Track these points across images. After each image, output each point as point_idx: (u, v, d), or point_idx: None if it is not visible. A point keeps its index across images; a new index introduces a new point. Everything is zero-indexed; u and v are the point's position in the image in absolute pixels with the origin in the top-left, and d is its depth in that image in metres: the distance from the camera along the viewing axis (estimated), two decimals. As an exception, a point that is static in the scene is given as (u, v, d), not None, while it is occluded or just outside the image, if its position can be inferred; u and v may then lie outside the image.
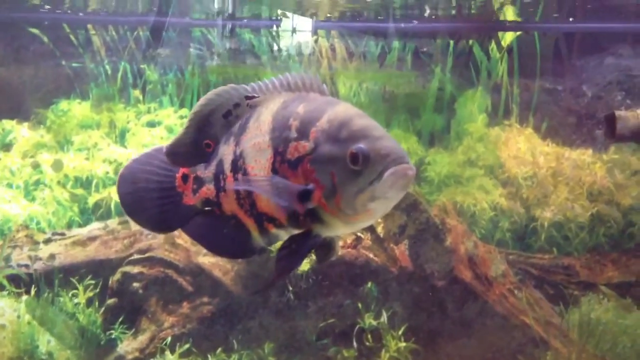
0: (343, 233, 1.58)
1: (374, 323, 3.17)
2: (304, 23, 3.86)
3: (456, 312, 3.28)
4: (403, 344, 3.07)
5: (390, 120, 3.82)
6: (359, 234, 3.19)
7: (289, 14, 3.84)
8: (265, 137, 1.50)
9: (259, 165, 1.49)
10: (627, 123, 3.42)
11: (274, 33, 3.84)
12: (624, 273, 3.47)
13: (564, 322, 3.13)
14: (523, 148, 3.56)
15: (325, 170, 1.41)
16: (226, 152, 1.55)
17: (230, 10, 3.87)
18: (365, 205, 1.40)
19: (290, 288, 3.04)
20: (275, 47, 3.70)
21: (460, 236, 3.31)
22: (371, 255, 3.20)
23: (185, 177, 1.63)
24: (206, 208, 1.57)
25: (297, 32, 3.86)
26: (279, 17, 3.89)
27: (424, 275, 3.25)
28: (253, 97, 1.55)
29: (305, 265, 3.05)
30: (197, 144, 1.63)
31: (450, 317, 3.23)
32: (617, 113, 3.41)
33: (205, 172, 1.59)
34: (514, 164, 3.51)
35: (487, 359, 3.13)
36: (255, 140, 1.51)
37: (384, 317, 3.10)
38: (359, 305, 3.06)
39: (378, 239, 3.23)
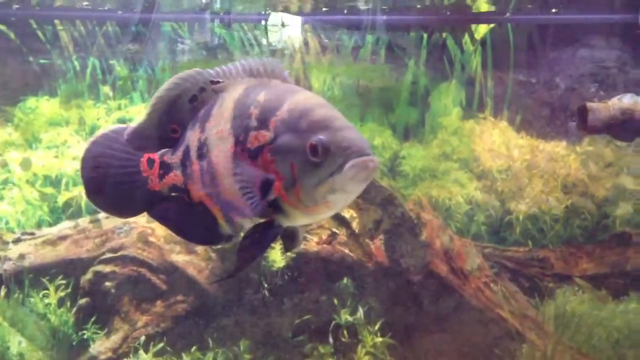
0: (303, 223, 1.59)
1: (350, 319, 3.24)
2: (275, 17, 3.91)
3: (432, 307, 3.37)
4: (379, 339, 3.15)
5: (365, 114, 3.89)
6: (334, 229, 3.27)
7: (266, 8, 3.90)
8: (227, 124, 1.50)
9: (221, 153, 1.49)
10: (599, 115, 3.54)
11: (246, 28, 3.89)
12: (599, 265, 3.60)
13: (540, 315, 3.22)
14: (497, 141, 3.66)
15: (285, 161, 1.42)
16: (192, 138, 1.55)
17: (204, 5, 3.91)
18: (324, 197, 1.41)
19: (266, 285, 3.12)
20: (248, 42, 3.76)
21: (436, 230, 3.40)
22: (347, 251, 3.27)
23: (150, 162, 1.61)
24: (173, 194, 1.57)
25: (271, 26, 3.93)
26: (265, 12, 3.94)
27: (400, 270, 3.34)
28: (218, 82, 1.56)
29: (280, 262, 3.12)
30: (162, 129, 1.62)
31: (426, 312, 3.31)
32: (589, 105, 3.53)
33: (173, 158, 1.58)
34: (488, 157, 3.61)
35: (463, 353, 3.24)
36: (218, 128, 1.52)
37: (360, 313, 3.15)
38: (335, 301, 3.11)
39: (353, 235, 3.31)
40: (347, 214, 3.31)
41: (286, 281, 3.15)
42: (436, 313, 3.29)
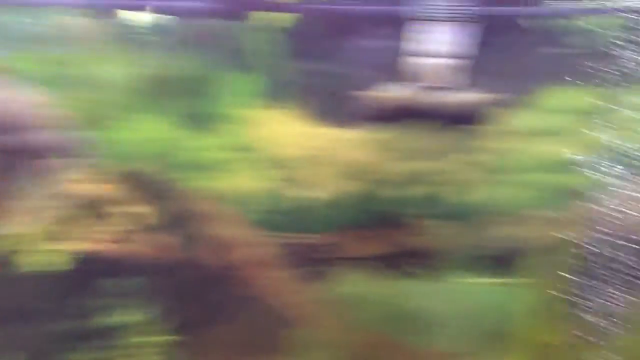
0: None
1: (141, 318, 3.11)
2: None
3: (217, 299, 3.37)
4: (163, 338, 3.03)
5: (147, 103, 3.83)
6: (122, 227, 3.19)
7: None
8: None
9: None
10: (380, 103, 3.81)
11: None
12: (383, 246, 3.91)
13: (321, 299, 3.31)
14: (285, 130, 3.80)
15: None
16: None
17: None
18: (17, 202, 1.42)
19: (44, 291, 3.01)
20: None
21: (217, 222, 3.46)
22: (140, 248, 3.23)
23: None
24: None
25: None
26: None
27: (189, 264, 3.34)
28: None
29: (63, 264, 2.99)
30: None
31: (211, 305, 3.24)
32: (369, 93, 3.78)
33: None
34: (275, 146, 3.73)
35: (248, 342, 3.30)
36: None
37: (151, 311, 3.05)
38: (111, 302, 2.99)
39: (148, 230, 3.24)
40: (141, 209, 3.18)
41: (60, 283, 3.08)
42: (221, 305, 3.28)
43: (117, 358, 2.99)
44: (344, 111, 4.07)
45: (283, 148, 3.74)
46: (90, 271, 3.11)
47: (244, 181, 3.62)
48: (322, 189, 3.69)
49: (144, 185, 3.38)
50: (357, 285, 3.50)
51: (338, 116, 4.04)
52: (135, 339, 3.02)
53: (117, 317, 3.03)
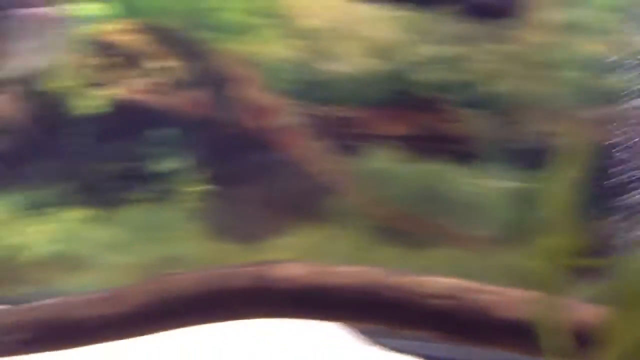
0: (10, 75, 1.84)
1: (170, 167, 3.72)
2: None
3: (250, 160, 3.99)
4: (200, 187, 3.72)
5: None
6: (152, 79, 3.68)
7: None
8: None
9: None
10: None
11: None
12: (409, 127, 4.39)
13: (351, 172, 3.85)
14: (315, 0, 4.15)
15: None
16: None
17: None
18: (3, 46, 1.70)
19: (84, 130, 3.53)
20: None
21: (248, 86, 3.93)
22: (167, 100, 3.73)
23: None
24: None
25: None
26: None
27: (217, 123, 3.79)
28: None
29: (96, 108, 3.49)
30: None
31: (245, 165, 3.81)
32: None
33: None
34: (302, 15, 4.04)
35: (278, 204, 3.92)
36: None
37: (183, 162, 3.65)
38: (158, 149, 3.60)
39: (174, 85, 3.75)
40: (167, 63, 3.66)
41: (106, 128, 3.59)
42: (254, 166, 3.85)
43: (155, 200, 3.59)
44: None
45: (312, 19, 4.09)
46: (128, 118, 3.61)
47: (272, 48, 4.00)
48: (350, 64, 4.08)
49: (174, 41, 3.80)
50: (385, 162, 4.02)
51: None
52: (172, 185, 3.63)
53: (155, 164, 3.61)
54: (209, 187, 3.64)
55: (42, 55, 1.66)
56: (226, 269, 2.58)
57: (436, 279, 2.39)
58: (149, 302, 2.32)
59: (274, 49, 3.95)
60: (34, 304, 2.58)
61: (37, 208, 3.37)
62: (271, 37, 3.99)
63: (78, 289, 3.49)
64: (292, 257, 2.73)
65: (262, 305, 2.44)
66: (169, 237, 3.60)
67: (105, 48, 3.52)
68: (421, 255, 3.67)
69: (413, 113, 4.28)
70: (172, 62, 3.62)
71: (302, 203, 3.77)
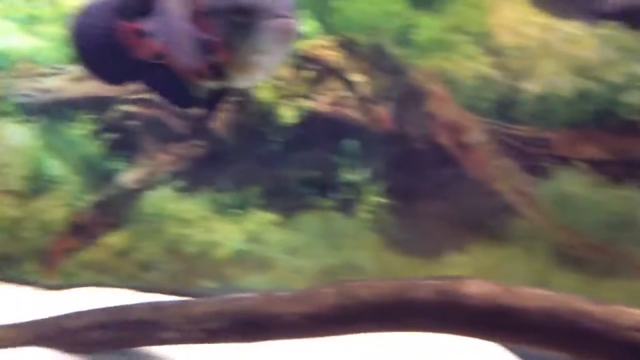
0: (246, 85, 1.94)
1: (354, 178, 3.91)
2: None
3: (433, 175, 4.02)
4: (381, 200, 3.80)
5: None
6: (342, 92, 3.84)
7: None
8: None
9: (180, 18, 1.79)
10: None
11: None
12: (602, 150, 4.15)
13: (537, 193, 3.83)
14: (512, 17, 4.06)
15: (221, 23, 1.71)
16: (163, 5, 1.83)
17: None
18: (249, 58, 1.72)
19: (276, 138, 3.75)
20: None
21: (442, 102, 3.95)
22: (352, 114, 3.87)
23: (133, 32, 1.90)
24: (157, 61, 1.84)
25: None
26: None
27: (405, 138, 3.91)
28: None
29: (289, 118, 3.72)
30: None
31: (427, 179, 3.88)
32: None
33: (149, 25, 1.86)
34: (502, 32, 4.02)
35: (459, 220, 3.89)
36: None
37: (364, 174, 3.76)
38: (339, 160, 3.70)
39: (362, 99, 3.88)
40: (357, 78, 3.86)
41: (294, 137, 3.79)
42: (436, 181, 3.93)
43: (336, 208, 3.67)
44: (574, 3, 4.24)
45: (509, 36, 4.03)
46: (319, 129, 3.78)
47: (466, 65, 3.99)
48: (546, 83, 3.96)
49: (369, 56, 3.92)
50: (573, 186, 3.82)
51: (567, 8, 4.22)
52: (354, 195, 3.70)
53: (339, 174, 3.69)
54: (389, 199, 3.67)
55: (274, 67, 1.78)
56: (408, 281, 2.61)
57: (635, 311, 2.22)
58: (335, 306, 2.42)
59: (468, 65, 3.93)
60: (228, 296, 2.79)
61: (227, 209, 3.63)
62: (466, 53, 3.98)
63: (259, 288, 3.73)
64: (470, 275, 2.70)
65: (443, 319, 2.43)
66: (347, 245, 3.70)
67: (305, 62, 3.73)
68: (604, 285, 3.46)
69: (609, 136, 4.05)
70: (365, 77, 3.73)
71: (483, 221, 3.68)
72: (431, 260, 3.64)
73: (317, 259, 3.69)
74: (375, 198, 3.76)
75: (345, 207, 3.78)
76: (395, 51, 3.92)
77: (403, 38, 4.21)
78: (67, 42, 3.82)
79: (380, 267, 3.66)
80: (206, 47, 1.78)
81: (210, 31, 1.76)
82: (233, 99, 3.55)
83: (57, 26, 3.76)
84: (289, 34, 1.71)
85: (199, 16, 1.77)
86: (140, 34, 1.89)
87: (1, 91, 3.56)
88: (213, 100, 1.97)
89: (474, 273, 3.69)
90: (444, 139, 3.89)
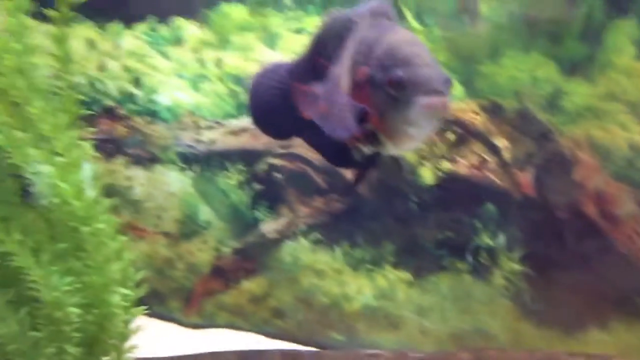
0: (397, 153, 1.98)
1: (490, 243, 3.82)
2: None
3: (576, 246, 3.84)
4: (517, 267, 3.73)
5: (530, 44, 4.25)
6: (485, 156, 3.81)
7: None
8: (348, 61, 1.91)
9: (343, 87, 1.90)
10: None
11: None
12: None
13: None
14: None
15: (376, 95, 1.79)
16: (333, 73, 1.95)
17: None
18: (401, 129, 1.78)
19: (413, 198, 3.79)
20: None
21: (591, 171, 3.79)
22: (495, 178, 3.82)
23: (303, 93, 2.05)
24: (319, 122, 1.94)
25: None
26: None
27: (547, 205, 3.78)
28: (354, 21, 1.94)
29: (429, 179, 3.75)
30: (314, 64, 2.06)
31: (570, 250, 3.77)
32: None
33: (319, 89, 1.99)
34: None
35: (602, 296, 3.68)
36: (342, 64, 1.92)
37: (501, 239, 3.73)
38: (477, 223, 3.69)
39: (503, 164, 3.82)
40: (500, 143, 3.84)
41: (433, 197, 3.81)
42: (580, 253, 3.75)
43: (469, 272, 3.63)
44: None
45: None
46: (457, 191, 3.79)
47: (619, 134, 3.84)
48: None
49: (514, 121, 3.89)
50: None
51: None
52: (488, 260, 3.66)
53: (474, 237, 3.68)
54: (527, 267, 3.57)
55: (424, 139, 1.87)
56: (550, 354, 2.48)
57: None
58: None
59: (622, 135, 3.78)
60: (363, 351, 2.82)
61: (360, 264, 3.69)
62: (620, 122, 3.83)
63: (386, 346, 3.72)
64: (612, 354, 2.52)
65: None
66: (479, 310, 3.62)
67: (448, 124, 3.78)
68: None
69: None
70: (508, 141, 3.71)
71: (629, 298, 3.48)
72: (568, 335, 3.49)
73: (447, 322, 3.63)
74: (511, 265, 3.67)
75: (480, 271, 3.74)
76: (543, 117, 3.87)
77: (552, 104, 4.15)
78: (232, 96, 4.12)
79: (512, 337, 3.55)
80: (361, 116, 1.87)
81: (367, 101, 1.84)
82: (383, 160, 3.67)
83: (220, 85, 4.14)
84: (441, 111, 1.75)
85: (359, 86, 1.86)
86: (309, 95, 2.04)
87: (167, 141, 3.94)
88: (365, 163, 2.05)
89: (615, 352, 3.46)
90: (589, 209, 3.75)
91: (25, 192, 2.14)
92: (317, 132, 2.01)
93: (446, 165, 3.77)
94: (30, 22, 2.22)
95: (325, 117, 1.97)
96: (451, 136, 3.88)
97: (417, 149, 3.82)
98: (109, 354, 2.31)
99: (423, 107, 1.71)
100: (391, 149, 1.93)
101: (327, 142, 2.00)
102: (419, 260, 3.75)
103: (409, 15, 4.83)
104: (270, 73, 2.19)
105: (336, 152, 2.04)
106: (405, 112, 1.72)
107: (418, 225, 3.69)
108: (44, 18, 2.31)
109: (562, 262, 3.66)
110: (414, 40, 1.86)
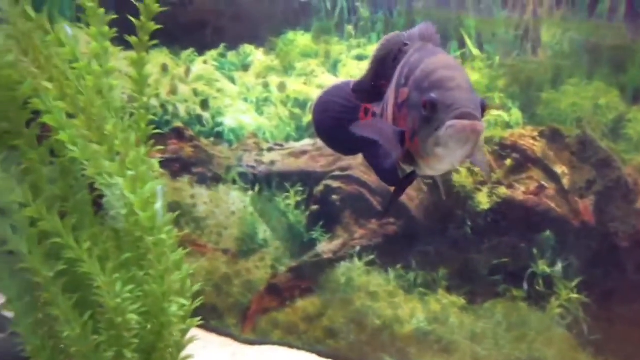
0: (429, 174, 1.99)
1: (548, 270, 3.72)
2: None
3: (636, 275, 3.73)
4: (575, 296, 3.60)
5: (593, 72, 4.18)
6: (543, 182, 3.76)
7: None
8: (394, 83, 1.99)
9: (389, 108, 1.99)
10: None
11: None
12: None
13: None
14: None
15: (412, 116, 1.85)
16: (386, 94, 2.03)
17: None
18: (433, 151, 1.80)
19: (469, 223, 3.76)
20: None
21: None
22: (553, 205, 3.74)
23: (366, 111, 2.16)
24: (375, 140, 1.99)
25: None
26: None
27: (607, 233, 3.68)
28: (406, 44, 2.03)
29: (485, 204, 3.72)
30: (375, 84, 2.14)
31: (629, 280, 3.66)
32: None
33: (378, 109, 2.09)
34: None
35: None
36: (392, 86, 2.00)
37: (559, 267, 3.66)
38: (534, 250, 3.63)
39: (562, 191, 3.74)
40: (559, 169, 3.78)
41: (489, 223, 3.76)
42: (633, 282, 3.64)
43: (525, 299, 3.57)
44: None
45: None
46: (514, 217, 3.74)
47: None
48: None
49: (571, 147, 3.84)
50: None
51: None
52: (544, 288, 3.60)
53: (530, 264, 3.64)
54: (585, 296, 3.50)
55: (457, 162, 1.90)
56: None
57: None
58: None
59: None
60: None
61: (413, 287, 3.68)
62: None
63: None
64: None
65: None
66: (534, 339, 3.52)
67: (505, 150, 3.76)
68: None
69: None
70: (568, 168, 3.66)
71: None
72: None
73: (500, 349, 3.56)
74: (569, 293, 3.59)
75: (536, 299, 3.66)
76: (605, 144, 3.80)
77: (614, 131, 4.07)
78: (294, 119, 4.21)
79: (570, 367, 3.45)
80: (401, 136, 1.93)
81: (404, 122, 1.91)
82: (429, 182, 3.68)
83: (282, 108, 4.27)
84: (471, 134, 1.76)
85: (400, 106, 1.93)
86: (369, 114, 2.14)
87: (230, 161, 4.10)
88: (403, 182, 2.09)
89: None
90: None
91: (96, 204, 2.27)
92: (373, 149, 2.07)
93: (503, 190, 3.75)
94: (111, 47, 2.38)
95: (379, 136, 2.03)
96: (509, 162, 3.88)
97: (473, 173, 3.82)
98: (165, 361, 2.40)
99: (452, 129, 1.73)
100: (424, 170, 1.96)
101: (379, 160, 2.07)
102: (473, 285, 3.71)
103: (469, 42, 4.87)
104: (336, 91, 2.29)
105: (385, 169, 2.08)
106: (436, 133, 1.75)
107: (473, 250, 3.67)
108: (123, 44, 2.48)
109: (622, 292, 3.58)
110: (451, 65, 1.89)
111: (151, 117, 2.48)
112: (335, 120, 2.20)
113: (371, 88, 2.10)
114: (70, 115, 2.26)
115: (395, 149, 1.90)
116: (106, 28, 2.39)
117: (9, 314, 3.20)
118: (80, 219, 2.28)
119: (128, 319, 2.20)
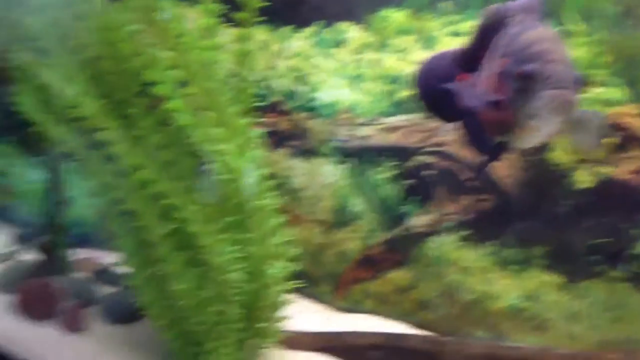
0: (523, 145, 1.99)
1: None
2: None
3: None
4: None
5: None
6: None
7: None
8: (493, 53, 2.00)
9: (486, 78, 1.99)
10: None
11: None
12: None
13: None
14: None
15: (509, 86, 1.85)
16: (484, 64, 2.04)
17: None
18: (526, 121, 1.82)
19: (566, 201, 3.67)
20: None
21: None
22: None
23: (460, 81, 2.15)
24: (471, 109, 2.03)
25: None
26: None
27: None
28: (509, 15, 2.03)
29: (585, 182, 3.60)
30: (476, 54, 2.15)
31: None
32: None
33: (472, 79, 2.09)
34: None
35: None
36: (490, 56, 2.01)
37: None
38: (634, 231, 3.54)
39: None
40: None
41: (587, 202, 3.67)
42: None
43: (624, 280, 3.42)
44: None
45: None
46: (614, 197, 3.62)
47: None
48: None
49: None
50: None
51: None
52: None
53: (632, 245, 3.50)
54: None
55: (550, 134, 1.90)
56: None
57: None
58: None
59: None
60: (505, 344, 2.81)
61: (508, 264, 3.64)
62: None
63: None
64: None
65: None
66: (633, 320, 3.41)
67: (610, 129, 3.63)
68: None
69: None
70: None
71: None
72: None
73: (596, 330, 3.47)
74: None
75: (636, 280, 3.56)
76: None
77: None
78: (388, 95, 4.26)
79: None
80: (496, 106, 1.94)
81: (502, 92, 1.91)
82: (526, 156, 3.61)
83: (376, 84, 4.29)
84: (565, 106, 1.77)
85: (498, 76, 1.95)
86: (468, 83, 2.14)
87: (325, 135, 4.20)
88: (494, 152, 2.14)
89: None
90: None
91: (200, 170, 2.40)
92: (469, 119, 2.11)
93: (604, 169, 3.63)
94: (217, 23, 2.49)
95: (476, 105, 2.04)
96: (612, 140, 3.74)
97: (573, 151, 3.71)
98: (262, 320, 2.51)
99: (547, 100, 1.74)
100: (518, 141, 1.98)
101: (474, 128, 2.10)
102: (570, 264, 3.62)
103: (572, 17, 4.69)
104: (434, 61, 2.37)
105: (480, 138, 2.12)
106: (530, 104, 1.77)
107: (571, 229, 3.57)
108: (228, 21, 2.58)
109: None
110: (551, 38, 1.89)
111: (253, 90, 2.59)
112: (435, 89, 2.22)
113: (473, 58, 2.11)
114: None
115: (489, 115, 1.91)
116: (214, 5, 2.50)
117: (119, 271, 3.44)
118: (188, 183, 2.41)
119: (231, 277, 2.32)
